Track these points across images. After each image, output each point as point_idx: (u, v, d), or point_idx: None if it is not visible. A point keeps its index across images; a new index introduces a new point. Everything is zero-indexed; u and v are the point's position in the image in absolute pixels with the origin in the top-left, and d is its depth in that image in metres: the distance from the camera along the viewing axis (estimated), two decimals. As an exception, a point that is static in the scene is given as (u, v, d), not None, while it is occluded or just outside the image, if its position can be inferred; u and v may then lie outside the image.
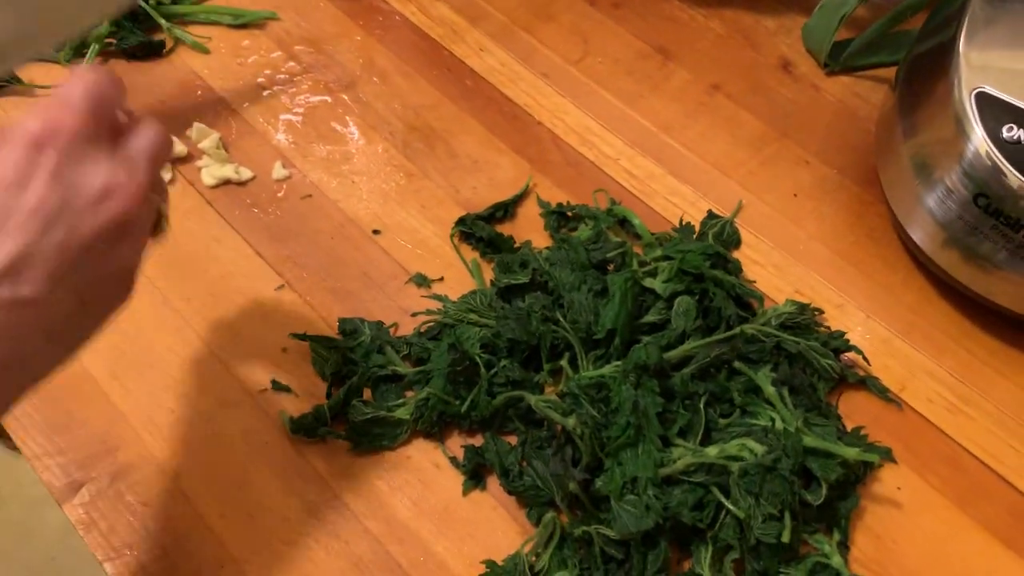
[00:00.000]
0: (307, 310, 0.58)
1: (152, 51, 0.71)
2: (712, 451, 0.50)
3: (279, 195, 0.64)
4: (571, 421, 0.49)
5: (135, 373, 0.55)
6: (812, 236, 0.64)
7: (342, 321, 0.57)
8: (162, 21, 0.72)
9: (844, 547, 0.50)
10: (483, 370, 0.53)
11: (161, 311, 0.58)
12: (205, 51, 0.72)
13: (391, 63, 0.72)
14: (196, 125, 0.66)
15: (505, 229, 0.63)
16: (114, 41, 0.71)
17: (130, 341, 0.56)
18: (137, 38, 0.70)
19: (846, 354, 0.57)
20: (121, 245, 0.39)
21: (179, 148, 0.65)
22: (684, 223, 0.63)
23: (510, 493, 0.51)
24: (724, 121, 0.70)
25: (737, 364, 0.54)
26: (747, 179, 0.66)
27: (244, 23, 0.74)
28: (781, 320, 0.56)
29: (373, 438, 0.53)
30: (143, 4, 0.72)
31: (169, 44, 0.72)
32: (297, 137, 0.67)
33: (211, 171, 0.64)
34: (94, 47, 0.70)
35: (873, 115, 0.70)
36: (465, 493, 0.52)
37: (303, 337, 0.56)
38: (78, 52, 0.70)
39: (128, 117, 0.42)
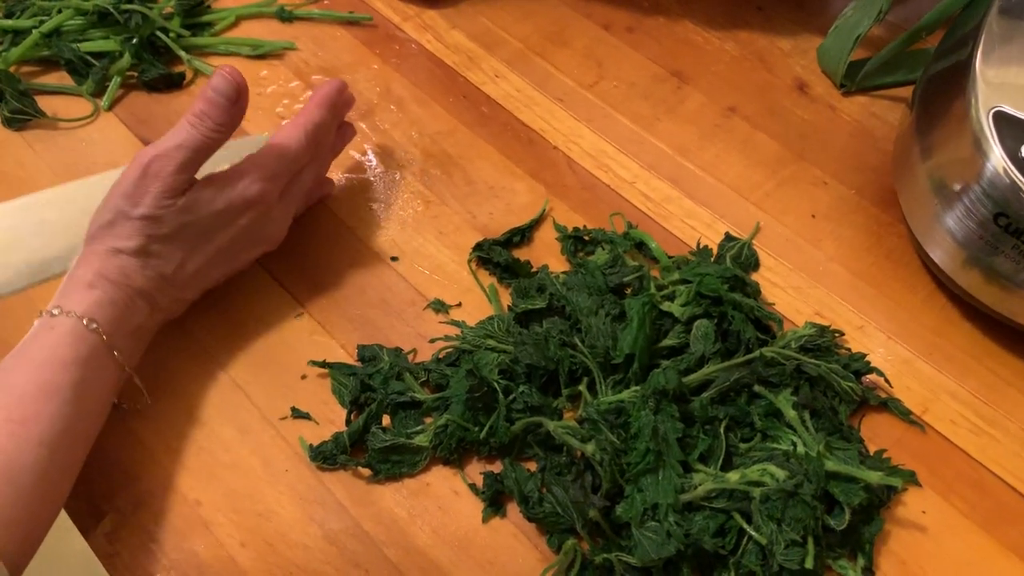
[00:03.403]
0: (326, 337, 0.59)
1: (172, 83, 0.72)
2: (733, 476, 0.49)
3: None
4: (590, 447, 0.49)
5: (155, 401, 0.56)
6: (831, 258, 0.63)
7: (361, 348, 0.58)
8: (182, 53, 0.73)
9: (869, 572, 0.49)
10: (501, 396, 0.53)
11: (181, 339, 0.58)
12: (224, 82, 0.73)
13: (408, 91, 0.73)
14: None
15: (522, 254, 0.63)
16: (135, 74, 0.72)
17: (151, 370, 0.57)
18: (158, 70, 0.71)
19: (867, 376, 0.56)
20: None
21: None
22: (701, 246, 0.63)
23: (530, 520, 0.51)
24: (740, 143, 0.70)
25: (757, 388, 0.54)
26: (764, 201, 0.66)
27: (262, 54, 0.75)
28: (801, 343, 0.55)
29: (392, 465, 0.53)
30: (163, 37, 0.73)
31: (189, 76, 0.73)
32: (315, 165, 0.68)
33: (231, 200, 0.65)
34: (116, 79, 0.71)
35: (890, 135, 0.69)
36: (485, 520, 0.52)
37: (322, 364, 0.57)
38: (100, 85, 0.71)
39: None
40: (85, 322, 0.49)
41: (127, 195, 0.51)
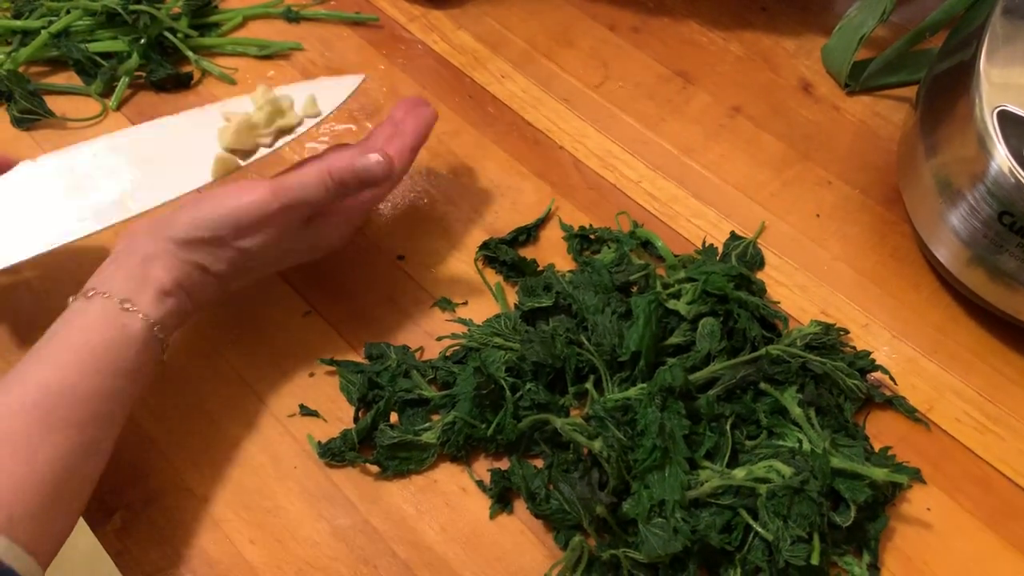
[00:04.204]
0: (334, 335, 0.59)
1: (180, 83, 0.73)
2: (739, 473, 0.50)
3: (305, 222, 0.65)
4: (597, 444, 0.50)
5: (165, 400, 0.56)
6: (836, 256, 0.64)
7: (368, 346, 0.58)
8: (190, 54, 0.73)
9: (874, 569, 0.50)
10: (508, 393, 0.53)
11: (191, 338, 0.58)
12: (232, 82, 0.73)
13: (414, 91, 0.73)
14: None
15: (528, 253, 0.63)
16: (144, 74, 0.72)
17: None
18: (166, 70, 0.72)
19: (872, 374, 0.56)
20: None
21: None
22: (707, 245, 0.63)
23: (537, 516, 0.51)
24: (745, 143, 0.70)
25: (763, 385, 0.54)
26: (769, 200, 0.66)
27: (270, 54, 0.75)
28: (806, 341, 0.55)
29: (400, 462, 0.53)
30: (171, 37, 0.73)
31: (197, 76, 0.74)
32: (322, 165, 0.68)
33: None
34: (124, 80, 0.72)
35: (895, 135, 0.70)
36: (492, 517, 0.52)
37: (330, 362, 0.57)
38: (108, 85, 0.72)
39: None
40: (156, 329, 0.49)
41: (238, 227, 0.51)
